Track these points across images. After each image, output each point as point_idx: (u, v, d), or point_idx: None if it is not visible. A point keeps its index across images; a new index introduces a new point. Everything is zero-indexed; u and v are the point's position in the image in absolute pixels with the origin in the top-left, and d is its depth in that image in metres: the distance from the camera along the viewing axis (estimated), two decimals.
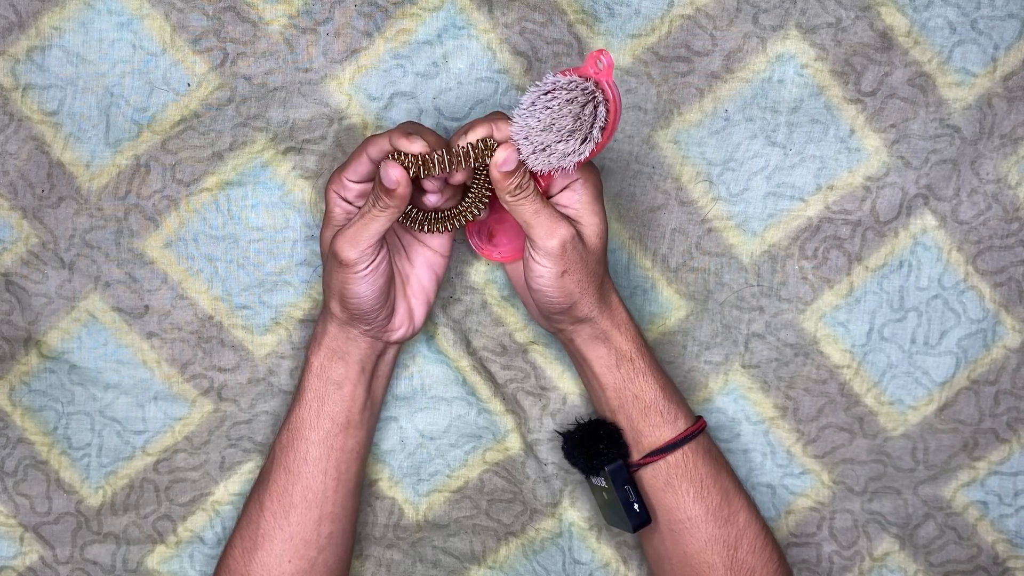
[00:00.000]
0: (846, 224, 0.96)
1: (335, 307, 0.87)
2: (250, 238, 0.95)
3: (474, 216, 0.87)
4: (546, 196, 0.86)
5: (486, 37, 0.94)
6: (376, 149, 0.84)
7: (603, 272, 0.87)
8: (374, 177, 0.85)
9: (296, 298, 0.96)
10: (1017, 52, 0.95)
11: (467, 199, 0.86)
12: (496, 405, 0.97)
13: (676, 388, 0.92)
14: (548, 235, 0.83)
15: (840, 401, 0.98)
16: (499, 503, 0.99)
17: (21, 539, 0.97)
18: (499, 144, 0.82)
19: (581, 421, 0.94)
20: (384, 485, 0.99)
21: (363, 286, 0.85)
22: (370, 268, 0.84)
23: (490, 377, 0.97)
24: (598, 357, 0.90)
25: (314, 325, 0.93)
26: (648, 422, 0.90)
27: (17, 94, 0.93)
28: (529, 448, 0.98)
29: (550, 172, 0.82)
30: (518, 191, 0.83)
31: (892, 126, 0.95)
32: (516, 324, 0.97)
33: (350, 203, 0.87)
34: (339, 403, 0.90)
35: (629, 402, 0.90)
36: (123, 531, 0.98)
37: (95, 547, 0.97)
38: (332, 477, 0.91)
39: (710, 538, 0.90)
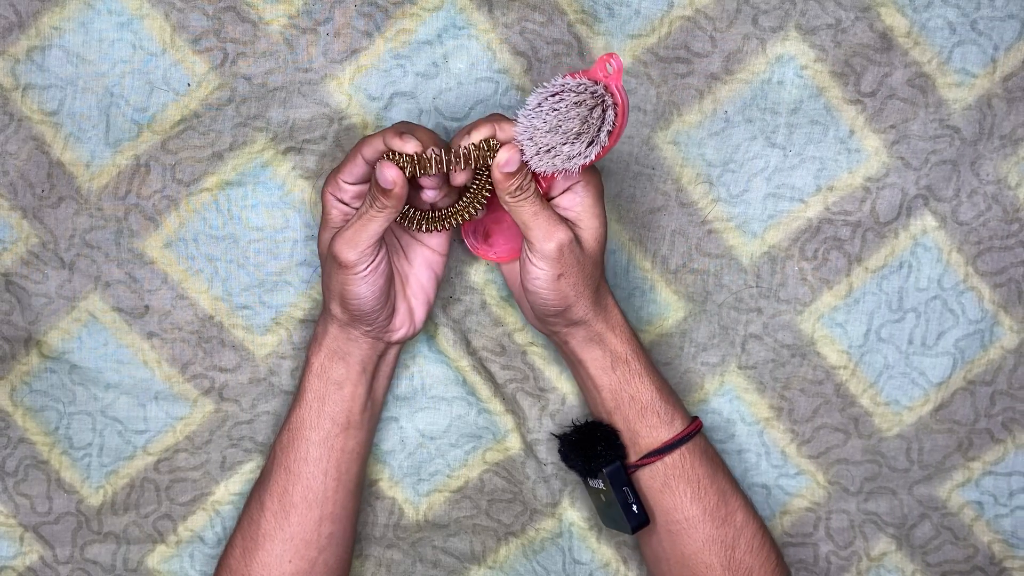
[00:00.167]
0: (846, 225, 0.97)
1: (335, 309, 0.87)
2: (250, 238, 0.95)
3: (472, 215, 0.86)
4: (547, 198, 0.86)
5: (486, 37, 0.94)
6: (370, 150, 0.83)
7: (600, 275, 0.87)
8: (369, 178, 0.85)
9: (296, 298, 0.96)
10: (1017, 53, 0.95)
11: (465, 198, 0.86)
12: (496, 405, 0.98)
13: (672, 389, 0.93)
14: (546, 238, 0.83)
15: (836, 402, 0.99)
16: (499, 503, 0.99)
17: (21, 539, 0.97)
18: (501, 144, 0.82)
19: (578, 423, 0.94)
20: (384, 485, 0.99)
21: (363, 287, 0.85)
22: (369, 269, 0.84)
23: (490, 377, 0.97)
24: (593, 359, 0.90)
25: (314, 326, 0.93)
26: (645, 423, 0.90)
27: (17, 94, 0.92)
28: (529, 448, 0.98)
29: (552, 174, 0.82)
30: (519, 192, 0.82)
31: (892, 127, 0.96)
32: (515, 324, 0.97)
33: (346, 205, 0.86)
34: (340, 403, 0.91)
35: (625, 403, 0.90)
36: (123, 531, 0.98)
37: (95, 547, 0.98)
38: (332, 477, 0.91)
39: (708, 538, 0.90)
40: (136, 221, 0.95)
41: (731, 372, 0.98)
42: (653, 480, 0.90)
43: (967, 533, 1.00)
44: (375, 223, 0.82)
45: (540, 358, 0.97)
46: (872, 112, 0.95)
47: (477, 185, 0.86)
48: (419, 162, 0.81)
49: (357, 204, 0.86)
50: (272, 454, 0.92)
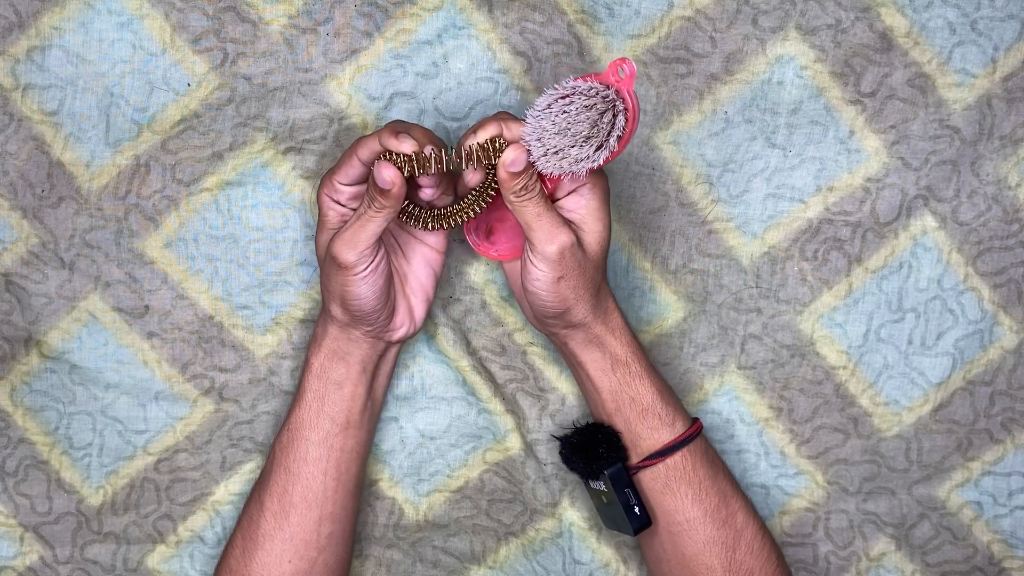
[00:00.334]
0: (846, 225, 0.97)
1: (335, 310, 0.87)
2: (250, 238, 0.95)
3: (475, 214, 0.86)
4: (552, 199, 0.86)
5: (486, 37, 0.94)
6: (366, 151, 0.83)
7: (600, 278, 0.87)
8: (365, 179, 0.85)
9: (296, 298, 0.96)
10: (1017, 53, 0.95)
11: (470, 196, 0.86)
12: (496, 405, 0.98)
13: (672, 391, 0.93)
14: (548, 240, 0.83)
15: (835, 402, 0.99)
16: (499, 503, 0.99)
17: (21, 539, 0.97)
18: (508, 144, 0.82)
19: (578, 425, 0.94)
20: (384, 485, 0.99)
21: (363, 287, 0.85)
22: (369, 269, 0.84)
23: (490, 377, 0.97)
24: (593, 361, 0.90)
25: (314, 326, 0.93)
26: (646, 425, 0.90)
27: (17, 94, 0.92)
28: (529, 448, 0.98)
29: (559, 176, 0.82)
30: (524, 192, 0.82)
31: (892, 127, 0.95)
32: (515, 324, 0.97)
33: (343, 206, 0.86)
34: (339, 403, 0.91)
35: (626, 405, 0.90)
36: (123, 531, 0.98)
37: (95, 547, 0.98)
38: (332, 477, 0.91)
39: (708, 539, 0.90)
40: (136, 221, 0.95)
41: (731, 372, 0.98)
42: (654, 482, 0.90)
43: (966, 533, 1.00)
44: (373, 223, 0.82)
45: (540, 358, 0.98)
46: (872, 112, 0.95)
47: (482, 184, 0.85)
48: (417, 161, 0.81)
49: (354, 205, 0.86)
50: (272, 454, 0.92)
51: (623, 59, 0.80)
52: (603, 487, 0.91)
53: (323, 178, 0.86)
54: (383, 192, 0.81)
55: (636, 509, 0.90)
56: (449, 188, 0.87)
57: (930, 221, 0.97)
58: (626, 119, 0.80)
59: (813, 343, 0.98)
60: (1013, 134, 0.96)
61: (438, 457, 0.99)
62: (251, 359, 0.97)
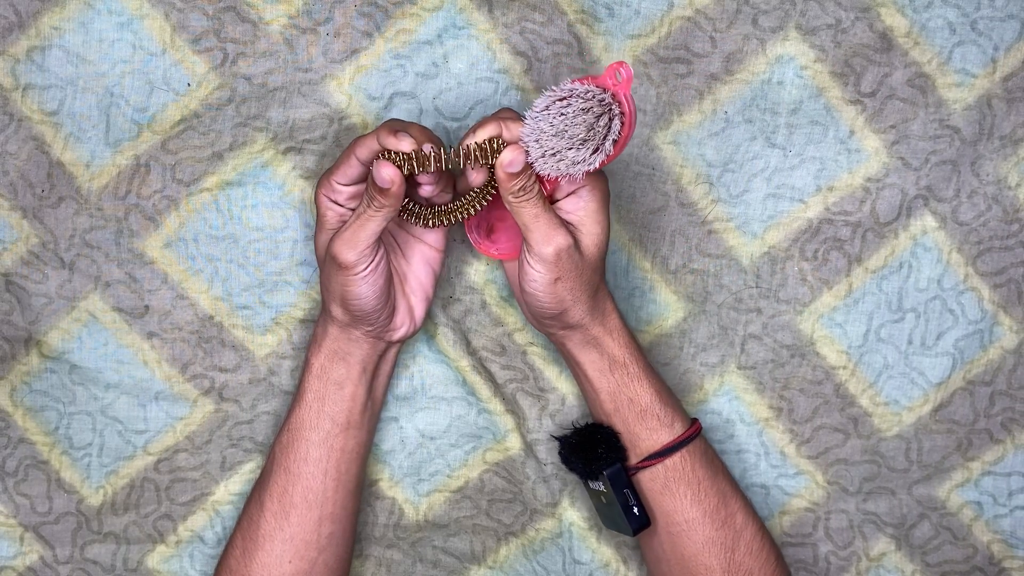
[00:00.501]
0: (846, 225, 0.97)
1: (336, 311, 0.87)
2: (250, 238, 0.95)
3: (475, 211, 0.86)
4: (551, 199, 0.86)
5: (486, 37, 0.94)
6: (364, 150, 0.83)
7: (598, 280, 0.87)
8: (364, 179, 0.85)
9: (296, 298, 0.96)
10: (1017, 53, 0.95)
11: (470, 193, 0.86)
12: (496, 405, 0.98)
13: (671, 392, 0.93)
14: (544, 241, 0.83)
15: (835, 402, 0.99)
16: (499, 503, 0.99)
17: (21, 539, 0.97)
18: (507, 144, 0.82)
19: (578, 425, 0.94)
20: (384, 485, 0.99)
21: (364, 287, 0.85)
22: (369, 269, 0.84)
23: (490, 377, 0.97)
24: (591, 361, 0.90)
25: (314, 327, 0.93)
26: (645, 426, 0.90)
27: (17, 94, 0.92)
28: (529, 448, 0.98)
29: (556, 178, 0.82)
30: (522, 193, 0.82)
31: (892, 127, 0.95)
32: (515, 324, 0.97)
33: (341, 206, 0.86)
34: (340, 403, 0.91)
35: (624, 406, 0.90)
36: (123, 531, 0.98)
37: (95, 547, 0.98)
38: (332, 478, 0.91)
39: (707, 540, 0.90)
40: (136, 221, 0.95)
41: (730, 372, 0.98)
42: (653, 482, 0.90)
43: (966, 533, 1.00)
44: (373, 223, 0.82)
45: (540, 358, 0.98)
46: (872, 112, 0.95)
47: (484, 182, 0.85)
48: (416, 160, 0.81)
49: (352, 205, 0.86)
50: (271, 455, 0.92)
51: (620, 63, 0.80)
52: (602, 487, 0.91)
53: (321, 178, 0.86)
54: (383, 191, 0.81)
55: (635, 509, 0.90)
56: (448, 185, 0.87)
57: (930, 221, 0.97)
58: (622, 123, 0.80)
59: (813, 343, 0.98)
60: (1013, 134, 0.96)
61: (438, 457, 0.99)
62: (251, 359, 0.97)
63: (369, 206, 0.82)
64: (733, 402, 0.99)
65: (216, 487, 0.98)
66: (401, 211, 0.87)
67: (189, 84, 0.93)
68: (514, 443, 0.98)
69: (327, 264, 0.85)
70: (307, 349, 0.92)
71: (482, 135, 0.82)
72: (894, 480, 0.99)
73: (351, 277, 0.84)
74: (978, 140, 0.96)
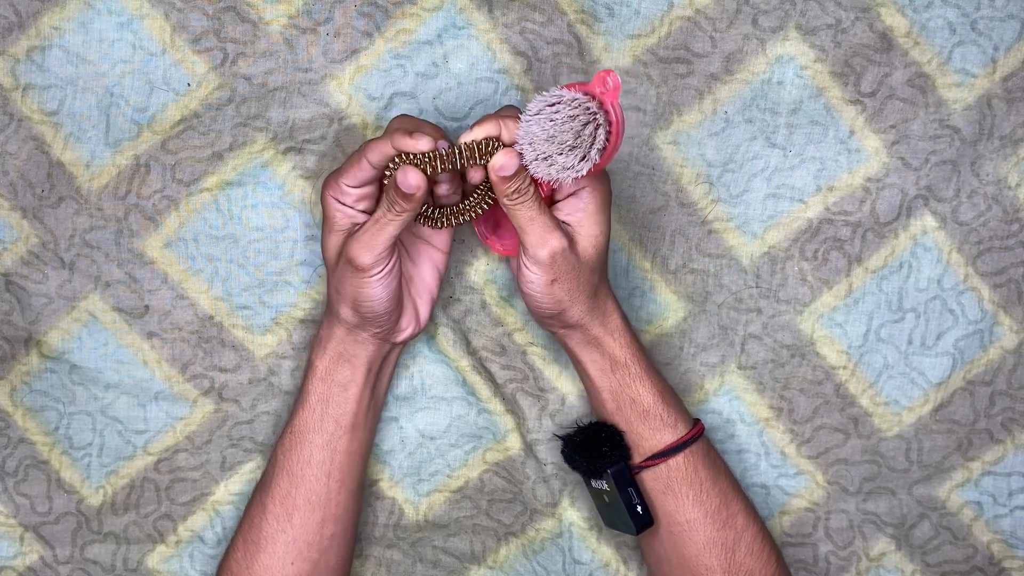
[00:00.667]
0: (846, 225, 0.97)
1: (345, 312, 0.87)
2: (250, 238, 0.95)
3: (483, 210, 0.86)
4: (551, 199, 0.86)
5: (486, 37, 0.94)
6: (376, 154, 0.83)
7: (598, 281, 0.87)
8: (372, 181, 0.85)
9: (296, 298, 0.96)
10: (1017, 53, 0.95)
11: (477, 192, 0.86)
12: (496, 405, 0.98)
13: (674, 392, 0.93)
14: (539, 244, 0.83)
15: (835, 402, 0.99)
16: (499, 503, 0.99)
17: (21, 539, 0.97)
18: (503, 146, 0.82)
19: (581, 424, 0.94)
20: (384, 485, 0.99)
21: (378, 289, 0.85)
22: (384, 271, 0.84)
23: (490, 377, 0.97)
24: (592, 361, 0.90)
25: (316, 328, 0.93)
26: (648, 426, 0.90)
27: (17, 94, 0.92)
28: (529, 448, 0.98)
29: (550, 181, 0.82)
30: (516, 195, 0.82)
31: (892, 127, 0.96)
32: (515, 324, 0.97)
33: (350, 207, 0.86)
34: (344, 406, 0.90)
35: (627, 405, 0.90)
36: (123, 531, 0.98)
37: (95, 547, 0.98)
38: (335, 479, 0.91)
39: (708, 541, 0.90)
40: (136, 221, 0.95)
41: (731, 372, 0.98)
42: (655, 482, 0.90)
43: (966, 533, 1.00)
44: (392, 226, 0.82)
45: (540, 358, 0.98)
46: (872, 112, 0.95)
47: (488, 181, 0.85)
48: (440, 160, 0.81)
49: (361, 206, 0.86)
50: (273, 457, 0.92)
51: (608, 71, 0.79)
52: (605, 486, 0.91)
53: (327, 180, 0.86)
54: (406, 196, 0.81)
55: (639, 508, 0.90)
56: (457, 186, 0.87)
57: (930, 221, 0.97)
58: (608, 132, 0.80)
59: (813, 343, 0.98)
60: (1013, 134, 0.96)
61: (438, 457, 0.99)
62: (251, 359, 0.97)
63: (390, 210, 0.82)
64: (733, 402, 0.99)
65: (216, 487, 0.98)
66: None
67: (189, 84, 0.93)
68: (514, 443, 0.98)
69: (341, 266, 0.85)
70: (310, 351, 0.92)
71: (478, 134, 0.82)
72: (894, 480, 0.99)
73: (366, 279, 0.84)
74: (978, 140, 0.96)
